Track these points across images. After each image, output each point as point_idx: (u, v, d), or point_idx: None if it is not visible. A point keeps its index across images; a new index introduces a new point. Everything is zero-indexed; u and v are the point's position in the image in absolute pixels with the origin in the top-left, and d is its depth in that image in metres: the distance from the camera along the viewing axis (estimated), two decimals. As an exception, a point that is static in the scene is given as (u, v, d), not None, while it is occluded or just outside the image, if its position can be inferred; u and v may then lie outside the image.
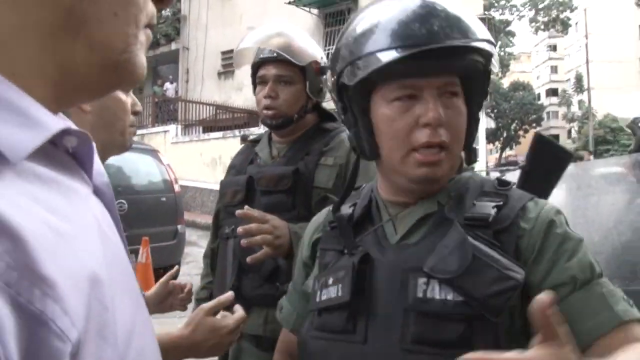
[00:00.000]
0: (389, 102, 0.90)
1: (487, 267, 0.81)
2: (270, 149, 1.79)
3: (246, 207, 1.45)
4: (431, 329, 0.82)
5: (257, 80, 1.74)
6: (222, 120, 16.67)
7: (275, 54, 1.68)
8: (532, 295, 0.70)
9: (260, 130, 13.85)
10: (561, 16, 33.35)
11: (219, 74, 18.34)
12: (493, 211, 0.88)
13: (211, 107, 16.67)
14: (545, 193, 1.04)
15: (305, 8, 16.11)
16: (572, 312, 0.79)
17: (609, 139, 31.73)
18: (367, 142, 0.95)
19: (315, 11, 16.30)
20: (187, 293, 1.56)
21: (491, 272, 0.80)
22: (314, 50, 1.75)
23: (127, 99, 1.23)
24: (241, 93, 18.05)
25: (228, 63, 17.97)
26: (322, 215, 1.13)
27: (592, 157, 24.97)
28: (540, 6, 33.82)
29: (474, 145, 0.99)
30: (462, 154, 1.00)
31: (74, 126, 0.47)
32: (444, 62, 0.87)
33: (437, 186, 0.94)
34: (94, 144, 0.50)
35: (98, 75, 0.48)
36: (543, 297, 0.57)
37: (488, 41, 0.89)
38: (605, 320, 0.78)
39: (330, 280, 0.93)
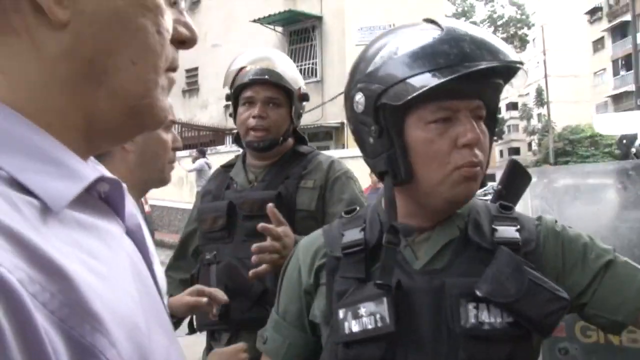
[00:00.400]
0: (426, 124, 0.90)
1: (541, 289, 0.86)
2: (246, 174, 1.80)
3: (261, 224, 1.44)
4: (481, 352, 0.86)
5: (242, 102, 1.74)
6: (187, 138, 16.54)
7: (266, 76, 1.71)
8: (585, 301, 0.92)
9: (226, 147, 13.80)
10: (519, 33, 34.34)
11: (184, 91, 18.26)
12: (517, 234, 0.93)
13: (176, 126, 16.54)
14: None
15: (269, 26, 16.20)
16: (612, 288, 0.91)
17: (568, 150, 32.64)
18: (403, 164, 0.94)
19: (279, 29, 16.41)
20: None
21: (544, 294, 0.86)
22: (299, 76, 1.80)
23: (168, 136, 1.29)
24: (206, 111, 17.98)
25: (192, 81, 17.92)
26: (317, 239, 1.09)
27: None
28: (499, 23, 34.80)
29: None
30: None
31: (106, 173, 0.52)
32: (479, 84, 0.91)
33: (461, 205, 0.97)
34: (124, 189, 0.55)
35: (121, 120, 0.52)
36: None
37: (521, 62, 0.92)
38: None
39: (363, 311, 0.90)
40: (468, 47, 0.87)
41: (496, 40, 0.91)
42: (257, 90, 1.72)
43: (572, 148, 32.10)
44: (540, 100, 42.96)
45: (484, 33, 0.93)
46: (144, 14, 0.50)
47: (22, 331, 0.34)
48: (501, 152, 54.11)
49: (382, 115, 0.94)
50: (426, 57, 0.89)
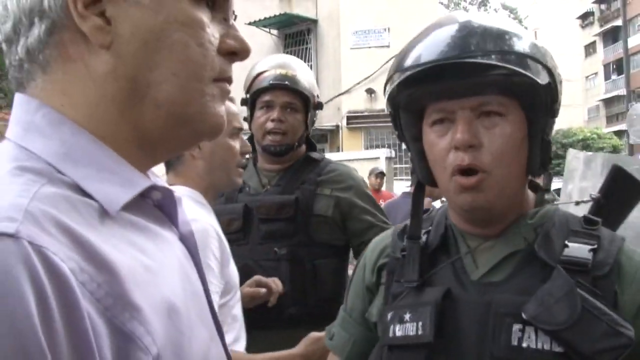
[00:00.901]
0: (430, 127, 0.88)
1: (596, 321, 0.76)
2: (259, 177, 1.84)
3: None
4: None
5: (259, 105, 1.79)
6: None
7: (286, 82, 1.76)
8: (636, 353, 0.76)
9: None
10: (512, 36, 34.58)
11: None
12: (590, 255, 0.82)
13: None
14: (617, 224, 1.02)
15: (265, 29, 16.26)
16: None
17: (560, 153, 32.80)
18: (419, 168, 0.94)
19: (275, 32, 16.48)
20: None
21: (600, 327, 0.76)
22: (315, 85, 1.87)
23: (236, 142, 1.39)
24: (202, 112, 18.02)
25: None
26: (386, 238, 1.05)
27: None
28: (492, 27, 35.04)
29: (547, 170, 0.93)
30: (540, 181, 0.97)
31: (159, 182, 0.60)
32: (470, 80, 0.83)
33: (494, 213, 0.88)
34: (176, 197, 0.62)
35: (171, 129, 0.57)
36: None
37: (518, 54, 0.83)
38: None
39: (408, 316, 0.87)
40: (430, 45, 0.84)
41: (481, 34, 0.83)
42: (276, 94, 1.77)
43: (565, 151, 32.22)
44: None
45: (489, 24, 0.85)
46: (180, 29, 0.55)
47: (68, 312, 0.40)
48: (494, 155, 54.44)
49: (398, 121, 0.95)
50: (398, 58, 0.89)
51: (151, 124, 0.56)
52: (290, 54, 16.27)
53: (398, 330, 0.88)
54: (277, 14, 15.60)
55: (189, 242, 0.64)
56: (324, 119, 14.81)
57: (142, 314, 0.47)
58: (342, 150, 12.54)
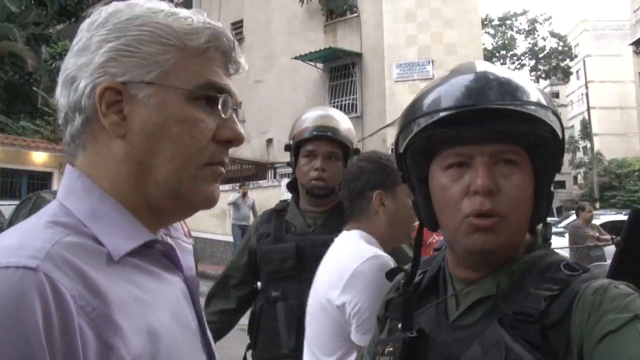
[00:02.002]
0: (443, 170, 0.89)
1: None
2: (304, 219, 1.97)
3: None
4: None
5: (303, 153, 1.93)
6: (230, 171, 16.86)
7: (329, 133, 1.91)
8: None
9: (267, 182, 14.00)
10: (561, 64, 33.92)
11: (227, 126, 18.66)
12: (544, 304, 0.79)
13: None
14: None
15: (310, 62, 16.54)
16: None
17: (614, 184, 31.68)
18: (424, 212, 0.95)
19: (320, 65, 16.74)
20: None
21: None
22: (354, 133, 2.03)
23: None
24: (249, 145, 18.32)
25: (236, 116, 18.31)
26: (402, 275, 1.06)
27: (597, 204, 24.80)
28: (541, 55, 34.49)
29: (547, 221, 0.92)
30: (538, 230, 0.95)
31: (164, 239, 0.77)
32: (493, 127, 0.84)
33: (495, 258, 0.88)
34: (176, 249, 0.79)
35: (170, 202, 0.74)
36: None
37: (539, 105, 0.84)
38: None
39: (386, 350, 0.92)
40: (454, 92, 0.86)
41: (503, 84, 0.85)
42: (319, 144, 1.92)
43: (620, 182, 31.15)
44: (586, 132, 42.00)
45: (507, 75, 0.88)
46: (177, 125, 0.72)
47: (64, 325, 0.57)
48: (546, 186, 52.98)
49: (404, 163, 0.97)
50: (425, 102, 0.90)
51: (154, 196, 0.73)
52: (335, 87, 16.54)
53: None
54: (322, 48, 15.85)
55: (190, 284, 0.81)
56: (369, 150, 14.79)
57: (123, 332, 0.62)
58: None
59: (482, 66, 0.90)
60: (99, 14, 0.74)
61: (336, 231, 1.77)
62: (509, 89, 0.84)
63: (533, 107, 0.84)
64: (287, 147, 2.01)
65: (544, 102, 0.86)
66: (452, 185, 0.87)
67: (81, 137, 0.72)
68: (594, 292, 0.78)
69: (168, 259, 0.77)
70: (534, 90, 0.87)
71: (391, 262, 1.42)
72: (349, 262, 1.43)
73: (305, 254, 1.86)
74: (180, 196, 0.73)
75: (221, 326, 2.07)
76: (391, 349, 0.91)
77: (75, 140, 0.73)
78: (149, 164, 0.72)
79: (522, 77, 0.89)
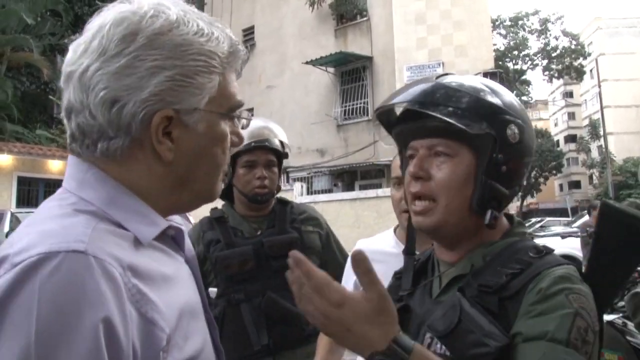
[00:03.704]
0: (408, 161, 1.06)
1: (469, 332, 0.89)
2: (248, 224, 2.09)
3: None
4: None
5: (241, 164, 2.04)
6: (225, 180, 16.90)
7: (266, 143, 2.05)
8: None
9: (284, 186, 14.04)
10: (574, 64, 33.63)
11: (240, 132, 18.75)
12: (504, 279, 0.93)
13: (232, 165, 16.98)
14: (621, 268, 1.01)
15: (321, 67, 16.60)
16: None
17: (630, 183, 31.33)
18: (405, 197, 1.10)
19: (331, 69, 16.80)
20: None
21: (472, 337, 0.88)
22: (286, 140, 2.17)
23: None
24: (261, 150, 18.39)
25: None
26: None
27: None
28: (553, 55, 34.23)
29: (483, 208, 1.00)
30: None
31: (173, 224, 0.82)
32: (425, 124, 1.01)
33: (444, 235, 1.03)
34: (185, 232, 0.86)
35: (193, 204, 0.83)
36: (354, 253, 0.79)
37: (462, 109, 0.97)
38: None
39: None
40: (396, 92, 1.06)
41: (436, 90, 1.00)
42: (258, 154, 2.05)
43: (635, 181, 30.78)
44: (596, 133, 41.56)
45: (449, 84, 1.02)
46: (216, 144, 0.79)
47: (118, 302, 0.63)
48: (561, 186, 52.41)
49: (403, 156, 1.13)
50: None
51: (183, 201, 0.81)
52: (347, 90, 16.58)
53: None
54: (333, 52, 15.91)
55: (192, 263, 0.88)
56: (381, 154, 14.83)
57: (158, 307, 0.68)
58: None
59: (443, 77, 1.04)
60: (125, 23, 0.73)
61: (284, 232, 2.04)
62: (436, 95, 1.00)
63: (449, 110, 0.97)
64: None
65: (475, 108, 0.98)
66: (407, 174, 1.05)
67: (116, 154, 0.74)
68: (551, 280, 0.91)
69: (174, 241, 0.84)
70: (470, 95, 1.00)
71: None
72: None
73: (262, 256, 1.97)
74: (205, 199, 0.83)
75: None
76: None
77: (108, 154, 0.74)
78: (187, 179, 0.78)
79: (475, 85, 1.02)
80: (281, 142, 2.13)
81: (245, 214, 2.11)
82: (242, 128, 0.87)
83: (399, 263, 1.48)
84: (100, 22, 0.75)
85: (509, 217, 1.10)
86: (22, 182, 14.42)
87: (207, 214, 2.11)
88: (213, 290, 1.99)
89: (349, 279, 1.71)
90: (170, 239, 0.83)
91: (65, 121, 0.77)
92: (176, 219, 0.89)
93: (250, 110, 18.87)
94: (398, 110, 1.08)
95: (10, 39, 16.90)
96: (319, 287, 0.78)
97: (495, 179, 0.99)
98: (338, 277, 1.60)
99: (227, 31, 0.81)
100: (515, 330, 0.88)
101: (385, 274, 1.61)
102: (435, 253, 1.12)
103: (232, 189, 2.13)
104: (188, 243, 0.89)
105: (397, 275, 1.20)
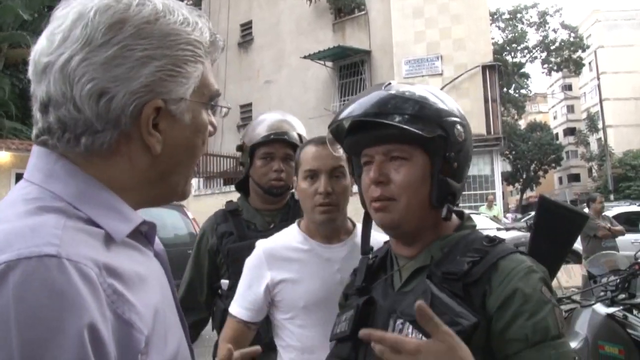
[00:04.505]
0: (363, 167, 1.14)
1: (442, 314, 0.92)
2: (262, 217, 2.11)
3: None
4: None
5: (260, 155, 2.04)
6: (242, 172, 16.89)
7: (285, 136, 2.04)
8: (494, 342, 0.97)
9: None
10: (573, 56, 33.56)
11: (238, 126, 18.79)
12: (466, 266, 1.01)
13: (231, 160, 16.99)
14: (555, 254, 1.19)
15: (319, 61, 16.58)
16: None
17: (630, 175, 31.34)
18: (362, 199, 1.17)
19: (329, 64, 16.78)
20: None
21: (445, 317, 0.91)
22: (305, 134, 2.14)
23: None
24: (260, 145, 18.38)
25: (246, 116, 18.43)
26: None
27: (611, 196, 24.42)
28: (552, 47, 34.16)
29: (441, 203, 1.09)
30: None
31: (146, 219, 0.79)
32: (379, 133, 1.08)
33: (404, 232, 1.11)
34: (156, 228, 0.82)
35: (166, 198, 0.81)
36: (418, 304, 0.82)
37: (409, 115, 1.05)
38: None
39: (343, 317, 1.15)
40: (349, 105, 1.11)
41: (384, 100, 1.07)
42: (276, 147, 2.06)
43: (635, 173, 30.81)
44: (595, 125, 41.53)
45: (395, 93, 1.09)
46: (198, 135, 0.77)
47: (99, 301, 0.59)
48: (560, 179, 52.46)
49: (352, 163, 1.23)
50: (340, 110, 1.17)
51: (160, 194, 0.79)
52: (345, 85, 16.56)
53: (337, 327, 1.17)
54: (331, 46, 15.88)
55: (161, 258, 0.84)
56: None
57: (136, 308, 0.65)
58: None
59: (389, 87, 1.11)
60: (110, 11, 0.69)
61: None
62: (388, 105, 1.07)
63: (404, 117, 1.05)
64: (240, 148, 2.12)
65: (415, 111, 1.06)
66: (365, 178, 1.12)
67: (101, 148, 0.70)
68: (512, 268, 1.00)
69: (144, 237, 0.80)
70: (418, 102, 1.08)
71: None
72: None
73: None
74: (177, 194, 0.80)
75: (194, 335, 2.10)
76: (346, 315, 1.15)
77: (91, 148, 0.70)
78: (168, 172, 0.76)
79: (424, 94, 1.10)
80: (299, 136, 2.10)
81: (259, 207, 2.12)
82: (223, 116, 0.86)
83: (314, 259, 1.59)
84: (79, 9, 0.70)
85: (459, 213, 1.19)
86: (20, 178, 14.40)
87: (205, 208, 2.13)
88: (225, 282, 2.01)
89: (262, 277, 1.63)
90: (141, 234, 0.78)
91: (37, 116, 0.71)
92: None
93: (249, 105, 18.85)
94: (346, 123, 1.15)
95: (7, 36, 16.84)
96: (394, 345, 0.84)
97: (449, 176, 1.09)
98: None
99: (204, 20, 0.79)
100: (512, 335, 0.95)
101: (305, 273, 1.61)
102: (392, 249, 1.19)
103: (247, 181, 2.15)
104: (157, 239, 0.85)
105: (354, 273, 1.29)
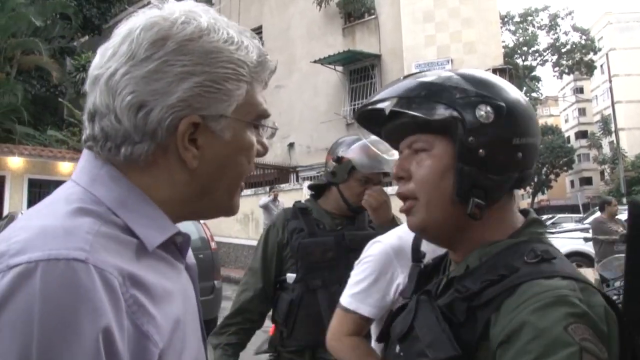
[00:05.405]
0: None
1: (417, 339, 0.88)
2: (331, 219, 2.20)
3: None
4: None
5: (359, 176, 2.11)
6: (253, 176, 16.96)
7: (387, 169, 2.09)
8: None
9: (289, 185, 14.06)
10: (585, 59, 33.34)
11: (249, 132, 18.79)
12: (479, 285, 0.85)
13: (242, 165, 17.01)
14: None
15: (330, 66, 16.58)
16: None
17: (643, 178, 31.02)
18: None
19: (340, 68, 16.77)
20: None
21: (418, 345, 0.87)
22: None
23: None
24: (271, 150, 18.24)
25: (257, 121, 18.44)
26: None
27: (624, 199, 24.20)
28: (563, 50, 33.96)
29: (464, 198, 0.92)
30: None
31: (183, 231, 0.79)
32: (397, 123, 0.99)
33: (431, 235, 0.99)
34: (190, 240, 0.82)
35: (210, 213, 0.83)
36: None
37: (419, 97, 0.93)
38: None
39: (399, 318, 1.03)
40: (381, 93, 1.00)
41: (396, 87, 0.97)
42: (379, 175, 2.13)
43: (648, 175, 30.49)
44: (607, 128, 41.16)
45: (411, 79, 0.98)
46: (241, 153, 0.77)
47: (117, 314, 0.61)
48: (572, 182, 52.04)
49: None
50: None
51: (202, 209, 0.80)
52: (356, 89, 16.55)
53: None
54: (341, 51, 15.88)
55: (191, 272, 0.85)
56: (391, 152, 14.75)
57: (155, 321, 0.66)
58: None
59: (410, 76, 1.00)
60: (155, 28, 0.72)
61: (362, 229, 2.15)
62: (395, 89, 0.96)
63: (407, 102, 0.93)
64: (339, 160, 2.15)
65: (433, 94, 0.93)
66: None
67: (139, 159, 0.72)
68: (529, 296, 0.79)
69: (177, 248, 0.80)
70: (430, 84, 0.94)
71: None
72: None
73: (342, 248, 2.10)
74: (222, 210, 0.81)
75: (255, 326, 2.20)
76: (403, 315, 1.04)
77: (130, 159, 0.72)
78: (209, 188, 0.76)
79: (432, 77, 0.96)
80: None
81: (330, 210, 2.21)
82: (269, 138, 0.85)
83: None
84: (129, 26, 0.74)
85: (525, 213, 1.00)
86: (33, 184, 14.54)
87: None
88: (291, 276, 2.10)
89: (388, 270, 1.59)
90: (174, 246, 0.79)
91: (86, 124, 0.74)
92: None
93: (259, 110, 18.85)
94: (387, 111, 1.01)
95: (20, 43, 17.03)
96: None
97: (474, 165, 0.91)
98: None
99: (256, 41, 0.79)
100: None
101: None
102: (449, 252, 1.06)
103: (324, 187, 2.24)
104: (190, 251, 0.86)
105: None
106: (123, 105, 0.70)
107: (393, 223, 2.02)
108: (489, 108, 0.91)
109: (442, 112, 0.91)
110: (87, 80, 0.75)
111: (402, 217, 2.24)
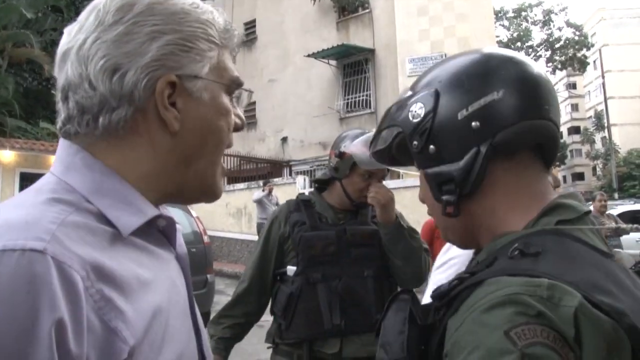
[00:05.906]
0: None
1: (381, 337, 0.86)
2: (334, 213, 2.20)
3: None
4: None
5: (361, 171, 2.11)
6: (246, 170, 16.95)
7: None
8: None
9: (282, 179, 14.05)
10: (578, 55, 33.44)
11: (242, 126, 18.75)
12: (447, 286, 0.78)
13: (235, 158, 17.02)
14: None
15: (324, 60, 16.55)
16: None
17: (634, 174, 31.23)
18: None
19: (333, 62, 16.74)
20: None
21: (379, 344, 0.84)
22: None
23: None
24: (264, 144, 18.39)
25: (250, 115, 18.42)
26: None
27: (616, 195, 24.35)
28: (557, 46, 34.05)
29: (446, 197, 0.85)
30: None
31: (164, 213, 0.76)
32: (396, 158, 1.00)
33: (457, 245, 0.96)
34: (176, 225, 0.80)
35: (195, 193, 0.78)
36: None
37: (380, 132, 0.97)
38: None
39: None
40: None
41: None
42: (379, 170, 2.13)
43: (640, 172, 30.68)
44: (600, 124, 41.35)
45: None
46: (221, 117, 0.76)
47: (73, 310, 0.57)
48: (564, 178, 52.29)
49: None
50: None
51: (189, 186, 0.76)
52: (349, 83, 16.52)
53: None
54: (335, 45, 15.85)
55: (182, 261, 0.82)
56: (384, 147, 14.76)
57: (124, 316, 0.62)
58: (402, 178, 12.38)
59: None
60: None
61: (365, 224, 2.15)
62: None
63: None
64: (341, 155, 2.14)
65: (382, 125, 0.95)
66: None
67: (118, 128, 0.70)
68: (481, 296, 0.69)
69: (163, 235, 0.78)
70: (381, 119, 0.96)
71: None
72: None
73: (343, 242, 2.09)
74: (207, 187, 0.78)
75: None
76: None
77: (108, 128, 0.70)
78: (193, 156, 0.75)
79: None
80: None
81: (333, 204, 2.21)
82: (245, 105, 0.84)
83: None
84: (93, 3, 0.74)
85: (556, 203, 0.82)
86: (24, 178, 14.45)
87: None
88: (292, 269, 2.10)
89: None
90: (158, 232, 0.76)
91: (60, 106, 0.72)
92: (166, 209, 0.82)
93: (252, 104, 18.82)
94: None
95: (11, 35, 16.88)
96: None
97: (434, 165, 0.85)
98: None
99: (220, 10, 0.80)
100: None
101: None
102: None
103: (327, 181, 2.25)
104: (180, 238, 0.83)
105: None
106: (97, 70, 0.69)
107: (397, 222, 2.04)
108: (418, 103, 0.86)
109: (388, 134, 0.93)
110: (56, 60, 0.74)
111: (405, 212, 2.27)
